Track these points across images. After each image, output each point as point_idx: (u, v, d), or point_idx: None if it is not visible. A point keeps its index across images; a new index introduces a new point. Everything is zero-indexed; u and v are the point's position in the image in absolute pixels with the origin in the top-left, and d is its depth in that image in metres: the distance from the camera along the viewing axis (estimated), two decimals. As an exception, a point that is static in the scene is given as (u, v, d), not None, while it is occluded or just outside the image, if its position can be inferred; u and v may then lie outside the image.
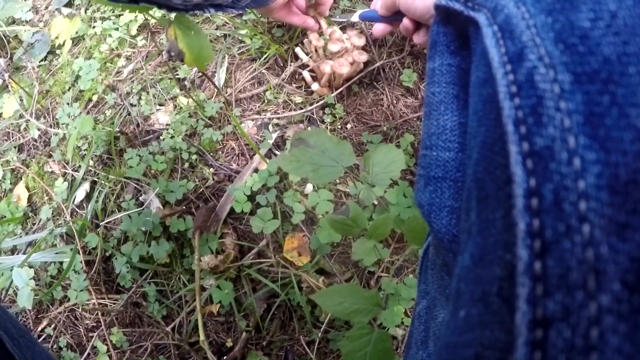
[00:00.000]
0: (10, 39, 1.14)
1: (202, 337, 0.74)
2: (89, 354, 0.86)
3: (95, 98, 0.98)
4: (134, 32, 1.02)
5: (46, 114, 1.02)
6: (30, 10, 1.19)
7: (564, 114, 0.18)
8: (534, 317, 0.16)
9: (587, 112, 0.18)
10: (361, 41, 0.77)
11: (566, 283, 0.16)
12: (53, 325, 0.89)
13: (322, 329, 0.76)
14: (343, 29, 0.82)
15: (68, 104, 0.99)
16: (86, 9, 1.10)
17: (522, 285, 0.17)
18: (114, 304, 0.85)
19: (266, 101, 0.87)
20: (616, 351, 0.15)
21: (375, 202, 0.77)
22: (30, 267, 0.89)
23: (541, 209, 0.17)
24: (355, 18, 0.70)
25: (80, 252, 0.84)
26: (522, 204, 0.18)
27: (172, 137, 0.86)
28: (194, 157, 0.85)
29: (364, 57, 0.79)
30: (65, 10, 1.12)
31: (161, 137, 0.88)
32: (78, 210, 0.90)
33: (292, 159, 0.67)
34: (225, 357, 0.79)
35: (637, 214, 0.16)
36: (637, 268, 0.15)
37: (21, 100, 1.05)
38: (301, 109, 0.85)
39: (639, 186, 0.16)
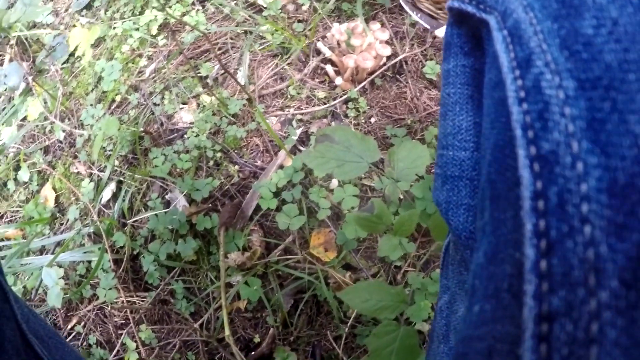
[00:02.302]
0: (32, 43, 1.16)
1: (227, 332, 0.74)
2: (118, 351, 0.87)
3: (118, 98, 0.99)
4: (154, 31, 1.02)
5: (70, 116, 1.03)
6: (50, 13, 1.21)
7: (568, 119, 0.19)
8: (540, 312, 0.17)
9: (589, 117, 0.18)
10: (385, 35, 0.77)
11: (569, 280, 0.17)
12: (83, 323, 0.90)
13: (349, 324, 0.76)
14: (366, 21, 0.81)
15: (92, 105, 1.00)
16: (106, 10, 1.11)
17: (529, 282, 0.17)
18: (143, 301, 0.86)
19: (289, 97, 0.87)
20: (614, 344, 0.15)
21: (401, 197, 0.76)
22: (60, 266, 0.91)
23: (546, 211, 0.18)
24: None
25: (108, 251, 0.86)
26: (529, 206, 0.18)
27: (196, 135, 0.87)
28: (219, 154, 0.86)
29: (387, 50, 0.78)
30: (84, 20, 1.13)
31: (185, 136, 0.88)
32: (105, 209, 0.91)
33: (317, 155, 0.66)
34: (253, 353, 0.79)
35: (634, 215, 0.17)
36: (633, 266, 0.16)
37: (45, 102, 1.06)
38: (324, 104, 0.84)
39: (636, 189, 0.17)
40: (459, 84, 0.32)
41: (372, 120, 0.84)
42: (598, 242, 0.16)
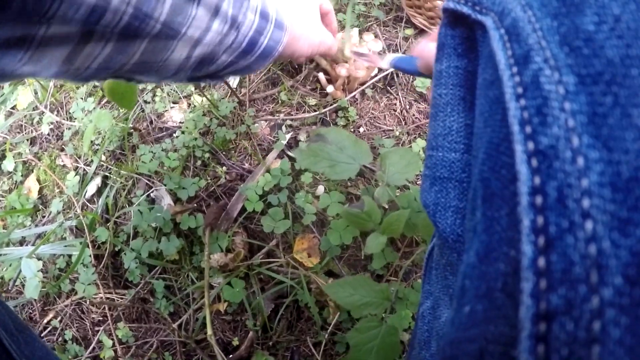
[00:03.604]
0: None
1: (209, 331, 0.74)
2: (94, 348, 0.86)
3: (109, 93, 0.98)
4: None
5: (60, 108, 1.02)
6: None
7: (568, 114, 0.18)
8: (538, 311, 0.16)
9: (590, 112, 0.18)
10: (378, 46, 0.78)
11: (569, 277, 0.16)
12: (59, 318, 0.89)
13: (329, 331, 0.76)
14: (360, 32, 0.82)
15: (82, 98, 0.99)
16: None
17: (526, 280, 0.17)
18: (122, 298, 0.85)
19: (280, 102, 0.87)
20: (618, 343, 0.15)
21: (386, 207, 0.77)
22: (39, 259, 0.90)
23: (545, 206, 0.17)
24: (385, 64, 0.55)
25: (90, 246, 0.85)
26: (527, 202, 0.18)
27: (185, 133, 0.87)
28: (207, 155, 0.86)
29: (379, 61, 0.79)
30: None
31: (174, 135, 0.88)
32: (89, 204, 0.91)
33: (310, 153, 0.67)
34: (231, 356, 0.79)
35: (638, 210, 0.16)
36: (638, 262, 0.16)
37: (36, 93, 1.05)
38: (315, 111, 0.85)
39: None
40: (450, 85, 0.32)
41: (361, 130, 0.85)
42: (600, 238, 0.16)
